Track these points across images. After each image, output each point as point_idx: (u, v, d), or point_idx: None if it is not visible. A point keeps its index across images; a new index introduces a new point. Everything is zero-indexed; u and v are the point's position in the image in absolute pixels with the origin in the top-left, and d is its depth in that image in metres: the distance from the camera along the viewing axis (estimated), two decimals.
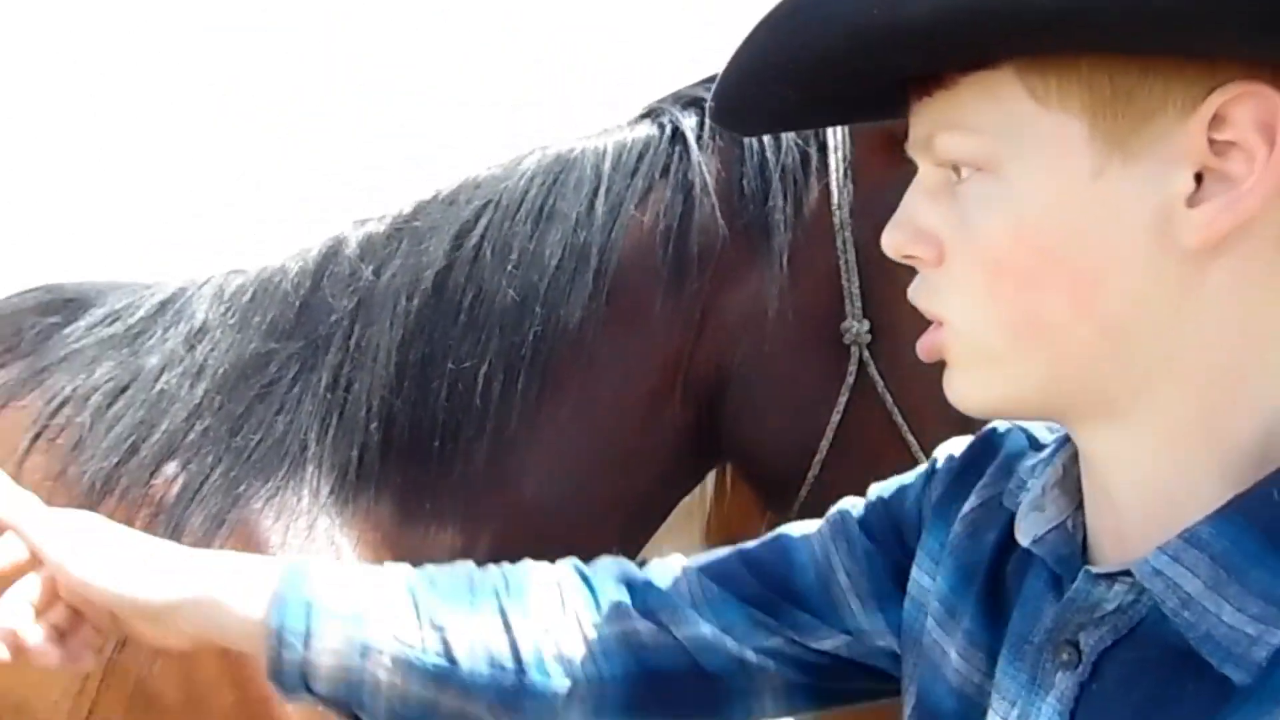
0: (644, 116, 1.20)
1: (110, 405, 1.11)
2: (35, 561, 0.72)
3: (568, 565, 0.82)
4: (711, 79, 1.22)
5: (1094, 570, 0.52)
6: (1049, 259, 0.50)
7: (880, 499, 0.76)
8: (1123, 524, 0.53)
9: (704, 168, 1.14)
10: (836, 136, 1.14)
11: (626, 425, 1.16)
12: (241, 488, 1.09)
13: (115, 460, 1.08)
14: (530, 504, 1.15)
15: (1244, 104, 0.44)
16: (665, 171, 1.15)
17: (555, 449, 1.15)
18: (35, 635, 0.70)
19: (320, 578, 0.74)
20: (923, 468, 0.75)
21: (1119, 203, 0.48)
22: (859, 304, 1.12)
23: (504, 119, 5.87)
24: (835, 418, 1.13)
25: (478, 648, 0.73)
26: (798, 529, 0.77)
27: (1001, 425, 0.70)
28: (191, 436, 1.10)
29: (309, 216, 4.27)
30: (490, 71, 7.43)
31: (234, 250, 3.00)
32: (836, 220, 1.12)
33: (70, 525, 0.75)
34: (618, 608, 0.76)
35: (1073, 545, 0.56)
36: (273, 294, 1.19)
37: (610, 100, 3.33)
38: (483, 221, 1.15)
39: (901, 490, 0.74)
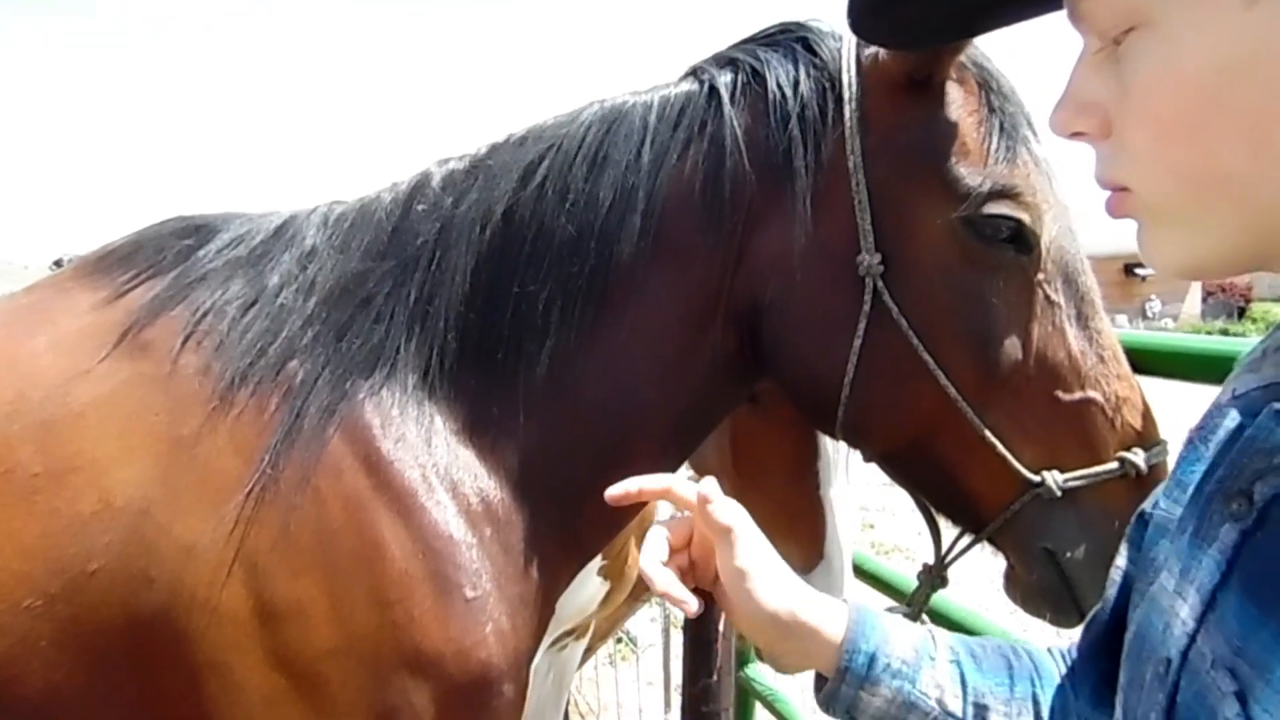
0: (687, 75, 1.33)
1: (243, 316, 1.28)
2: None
3: (1060, 656, 0.86)
4: (744, 39, 1.34)
5: (1277, 407, 0.49)
6: (1215, 103, 0.47)
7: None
8: None
9: (734, 122, 1.26)
10: (850, 89, 1.23)
11: (671, 348, 1.30)
12: (347, 384, 1.25)
13: (249, 360, 1.24)
14: (586, 409, 1.31)
15: None
16: (702, 126, 1.27)
17: (608, 364, 1.30)
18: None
19: (881, 630, 0.87)
20: None
21: (1276, 35, 0.44)
22: (871, 239, 1.21)
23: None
24: (857, 343, 1.22)
25: None
26: None
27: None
28: (306, 341, 1.27)
29: None
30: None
31: None
32: (850, 164, 1.22)
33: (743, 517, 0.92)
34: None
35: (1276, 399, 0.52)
36: (369, 220, 1.36)
37: None
38: (545, 164, 1.30)
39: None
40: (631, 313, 1.29)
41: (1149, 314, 36.61)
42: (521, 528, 1.31)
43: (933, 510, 1.36)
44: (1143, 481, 1.21)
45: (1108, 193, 0.57)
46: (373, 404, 1.26)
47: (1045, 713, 0.80)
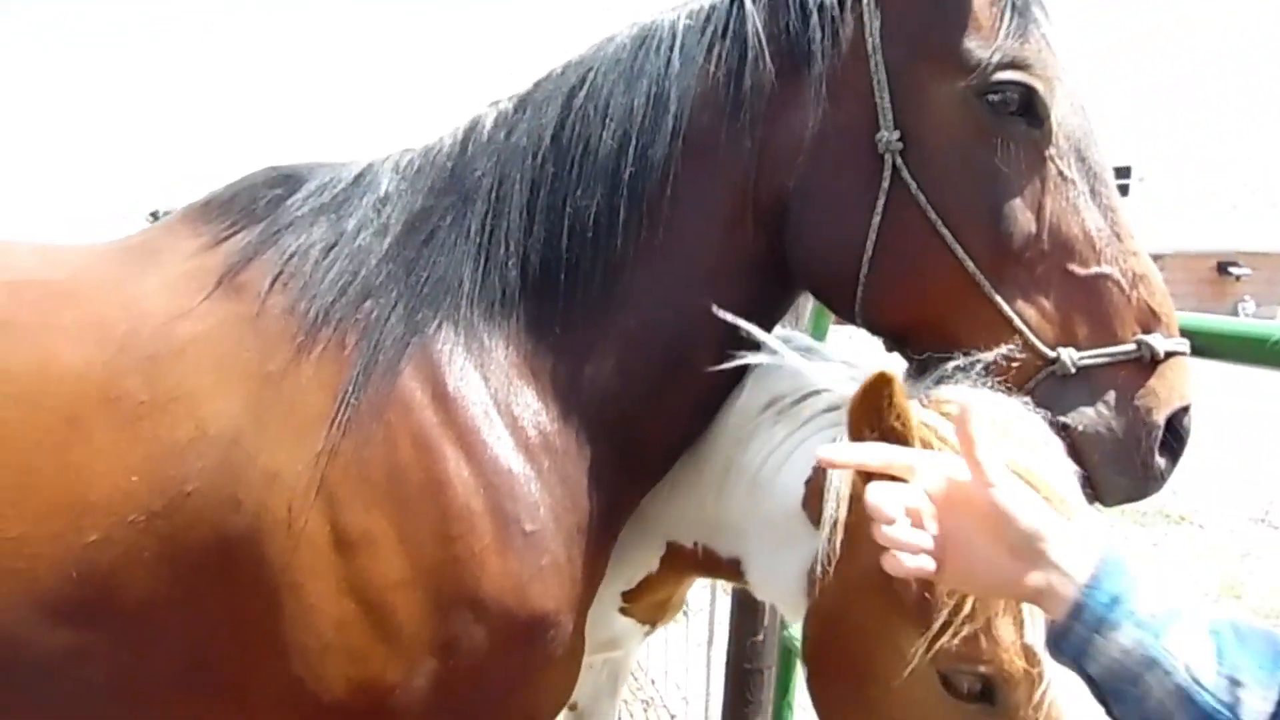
0: None
1: (324, 258, 1.38)
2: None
3: None
4: None
5: None
6: None
7: None
8: None
9: (755, 18, 1.32)
10: None
11: (708, 248, 1.37)
12: (418, 316, 1.34)
13: (330, 299, 1.34)
14: (637, 325, 1.38)
15: None
16: (726, 27, 1.33)
17: (654, 271, 1.37)
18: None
19: (1130, 576, 0.82)
20: None
21: None
22: (890, 116, 1.26)
23: None
24: (876, 219, 1.26)
25: (1263, 716, 0.74)
26: None
27: None
28: (380, 279, 1.36)
29: None
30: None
31: None
32: (869, 45, 1.26)
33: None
34: None
35: None
36: (432, 162, 1.45)
37: None
38: (585, 86, 1.38)
39: None
40: (669, 214, 1.36)
41: (1241, 314, 35.00)
42: (580, 456, 1.37)
43: None
44: (1159, 367, 1.21)
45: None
46: (440, 337, 1.34)
47: None
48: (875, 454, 0.95)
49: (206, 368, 1.30)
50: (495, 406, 1.34)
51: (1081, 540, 0.86)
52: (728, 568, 1.54)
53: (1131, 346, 1.22)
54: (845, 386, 1.31)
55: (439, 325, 1.35)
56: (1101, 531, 0.91)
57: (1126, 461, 1.22)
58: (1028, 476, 1.07)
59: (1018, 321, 1.23)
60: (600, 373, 1.39)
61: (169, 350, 1.30)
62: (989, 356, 1.22)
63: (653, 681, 3.69)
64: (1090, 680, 0.83)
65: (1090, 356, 1.22)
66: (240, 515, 1.24)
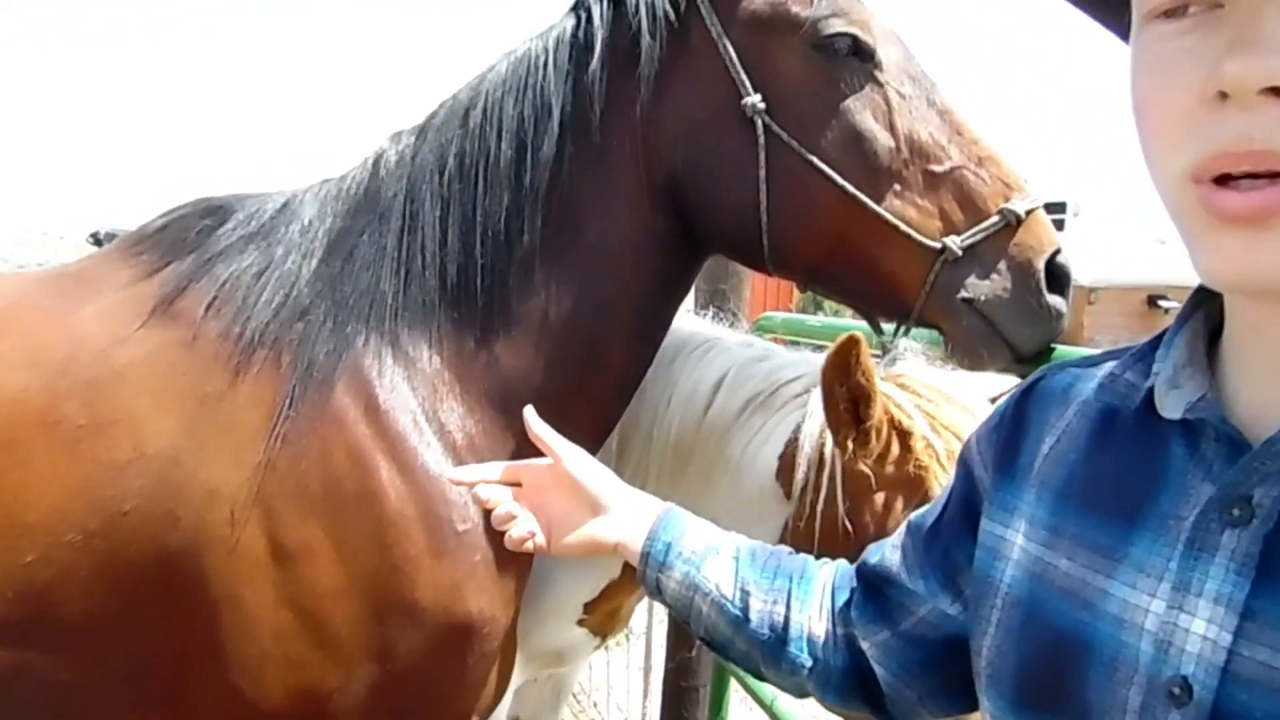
0: (573, 9, 1.55)
1: (256, 283, 1.43)
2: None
3: (833, 569, 1.03)
4: None
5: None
6: None
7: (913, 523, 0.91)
8: None
9: (601, 33, 1.47)
10: None
11: (611, 234, 1.49)
12: (346, 330, 1.40)
13: (264, 320, 1.39)
14: (555, 319, 1.48)
15: None
16: (584, 43, 1.49)
17: (563, 266, 1.48)
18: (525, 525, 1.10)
19: (680, 526, 1.06)
20: (949, 478, 0.91)
21: None
22: (749, 85, 1.43)
23: None
24: (762, 173, 1.43)
25: (764, 614, 0.98)
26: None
27: (1030, 378, 0.79)
28: (310, 299, 1.42)
29: None
30: None
31: None
32: (713, 34, 1.45)
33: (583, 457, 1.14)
34: (848, 614, 0.96)
35: (1221, 411, 0.58)
36: (347, 189, 1.53)
37: None
38: (479, 104, 1.50)
39: (941, 497, 0.88)
40: (570, 210, 1.48)
41: None
42: (506, 452, 1.43)
43: (869, 313, 1.56)
44: (1022, 225, 1.39)
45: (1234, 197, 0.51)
46: (368, 350, 1.41)
47: (798, 603, 0.98)
48: (489, 470, 1.17)
49: (145, 391, 1.33)
50: (423, 413, 1.40)
51: (640, 502, 1.10)
52: None
53: (997, 218, 1.39)
54: (813, 372, 1.51)
55: (366, 339, 1.41)
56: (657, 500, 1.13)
57: (1026, 310, 1.39)
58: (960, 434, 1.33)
59: (902, 226, 1.40)
60: (522, 367, 1.46)
61: (107, 374, 1.34)
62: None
63: (595, 704, 3.72)
64: (670, 607, 1.06)
65: (969, 236, 1.39)
66: (179, 531, 1.28)
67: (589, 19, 1.50)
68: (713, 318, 1.96)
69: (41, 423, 1.30)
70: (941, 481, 1.32)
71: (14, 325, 1.40)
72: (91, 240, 7.95)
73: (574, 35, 1.50)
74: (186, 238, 1.51)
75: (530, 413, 1.16)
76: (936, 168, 1.42)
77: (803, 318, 2.40)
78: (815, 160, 1.40)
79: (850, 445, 1.36)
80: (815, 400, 1.48)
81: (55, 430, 1.30)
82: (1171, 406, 0.61)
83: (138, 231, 1.57)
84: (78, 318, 1.41)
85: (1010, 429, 0.76)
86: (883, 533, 1.28)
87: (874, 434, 1.35)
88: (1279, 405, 0.56)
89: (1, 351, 1.35)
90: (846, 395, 1.33)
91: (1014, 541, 0.71)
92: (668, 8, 1.46)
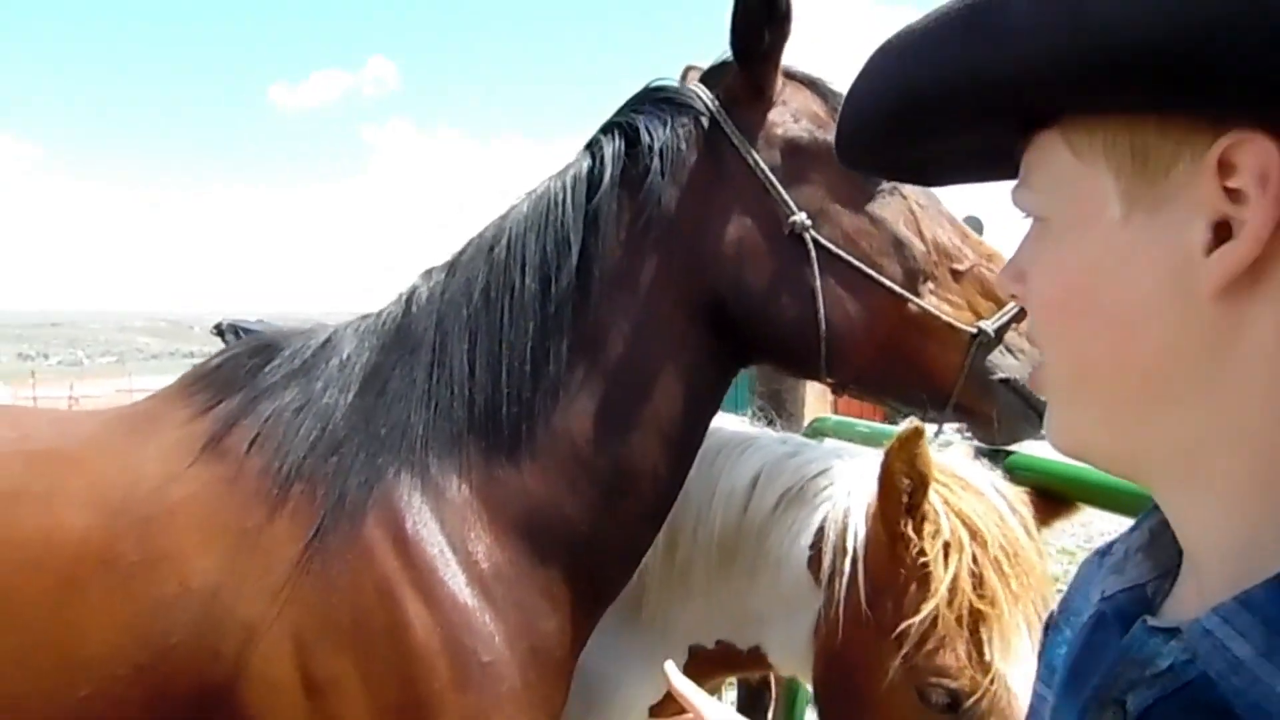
0: (587, 148, 1.61)
1: (295, 418, 1.49)
2: None
3: None
4: (623, 106, 1.63)
5: (1150, 622, 0.49)
6: (1084, 299, 0.51)
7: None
8: (1203, 586, 0.49)
9: (611, 169, 1.53)
10: (719, 115, 1.54)
11: (643, 357, 1.52)
12: (378, 461, 1.44)
13: (301, 454, 1.44)
14: (582, 443, 1.50)
15: (1243, 150, 0.44)
16: (600, 180, 1.54)
17: (593, 391, 1.51)
18: None
19: None
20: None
21: (1143, 250, 0.48)
22: (791, 204, 1.51)
23: None
24: (817, 284, 1.50)
25: None
26: None
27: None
28: (345, 432, 1.47)
29: None
30: None
31: None
32: (751, 161, 1.53)
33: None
34: None
35: (1142, 606, 0.54)
36: (383, 324, 1.59)
37: None
38: (503, 241, 1.55)
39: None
40: (598, 338, 1.52)
41: None
42: (533, 579, 1.44)
43: (906, 407, 1.61)
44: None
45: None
46: (399, 481, 1.44)
47: None
48: (687, 688, 1.27)
49: (192, 527, 1.40)
50: (450, 544, 1.42)
51: None
52: (747, 658, 1.74)
53: (1014, 304, 1.51)
54: (839, 465, 1.63)
55: (397, 470, 1.45)
56: None
57: None
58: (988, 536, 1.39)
59: (943, 317, 1.52)
60: (551, 495, 1.47)
61: (160, 511, 1.41)
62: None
63: None
64: None
65: (997, 321, 1.53)
66: (220, 665, 1.32)
67: (601, 159, 1.57)
68: (751, 419, 1.97)
69: (100, 560, 1.37)
70: (949, 565, 1.38)
71: (82, 466, 1.49)
72: (215, 332, 8.45)
73: (589, 173, 1.56)
74: (237, 376, 1.59)
75: (670, 667, 1.25)
76: (959, 266, 1.56)
77: (853, 421, 2.38)
78: (864, 267, 1.51)
79: (908, 530, 1.42)
80: (839, 491, 1.58)
81: (112, 567, 1.36)
82: (1102, 589, 0.60)
83: (196, 369, 1.68)
84: (139, 456, 1.50)
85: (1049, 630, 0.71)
86: (901, 619, 1.36)
87: (927, 519, 1.42)
88: (1197, 599, 0.51)
89: (70, 491, 1.44)
90: (907, 484, 1.40)
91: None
92: (682, 145, 1.54)
